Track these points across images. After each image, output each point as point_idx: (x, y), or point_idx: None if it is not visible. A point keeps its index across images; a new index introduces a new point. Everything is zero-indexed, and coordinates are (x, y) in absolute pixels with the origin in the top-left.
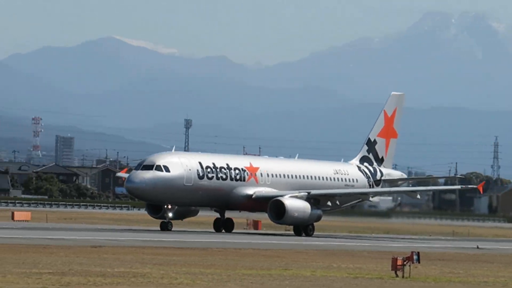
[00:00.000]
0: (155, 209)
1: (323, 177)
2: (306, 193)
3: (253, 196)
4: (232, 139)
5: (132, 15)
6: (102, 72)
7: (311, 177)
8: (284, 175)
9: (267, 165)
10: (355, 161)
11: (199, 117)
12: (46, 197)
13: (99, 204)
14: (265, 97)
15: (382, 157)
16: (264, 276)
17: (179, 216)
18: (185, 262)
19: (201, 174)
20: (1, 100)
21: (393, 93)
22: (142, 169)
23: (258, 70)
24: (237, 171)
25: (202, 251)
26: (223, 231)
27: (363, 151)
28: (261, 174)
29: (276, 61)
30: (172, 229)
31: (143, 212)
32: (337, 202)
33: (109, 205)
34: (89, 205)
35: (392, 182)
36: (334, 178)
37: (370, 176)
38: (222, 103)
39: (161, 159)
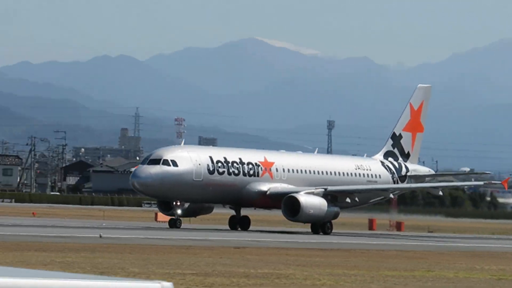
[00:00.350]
0: (166, 206)
1: (343, 173)
2: (323, 189)
3: (268, 193)
4: (375, 140)
5: (274, 16)
6: (243, 73)
7: (330, 172)
8: (301, 171)
9: (282, 160)
10: (379, 156)
11: (341, 118)
12: None
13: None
14: (407, 98)
15: (408, 152)
16: (407, 278)
17: (191, 213)
18: (328, 263)
19: (211, 169)
20: (144, 102)
21: (419, 85)
22: (148, 164)
23: (400, 71)
24: (250, 166)
25: (345, 253)
26: (239, 228)
27: (388, 146)
28: (276, 169)
29: (418, 62)
30: (181, 227)
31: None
32: (356, 199)
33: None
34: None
35: (419, 178)
36: (355, 174)
37: (395, 171)
38: (364, 104)
39: (169, 153)
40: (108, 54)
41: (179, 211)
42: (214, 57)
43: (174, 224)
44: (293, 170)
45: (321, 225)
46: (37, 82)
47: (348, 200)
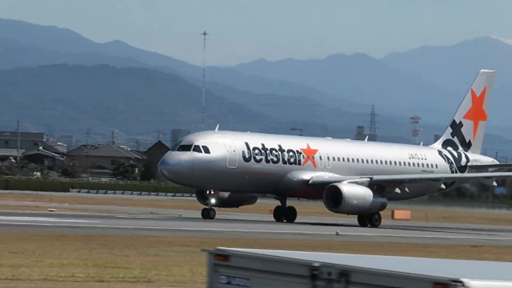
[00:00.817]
0: (203, 195)
1: (394, 162)
2: (368, 179)
3: (310, 182)
4: None
5: (510, 15)
6: (477, 72)
7: (380, 161)
8: (347, 159)
9: (327, 148)
10: (437, 145)
11: None
12: None
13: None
14: None
15: (470, 141)
16: None
17: (232, 203)
18: None
19: (247, 156)
20: (379, 99)
21: (482, 70)
22: (178, 150)
23: None
24: (291, 154)
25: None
26: (285, 220)
27: (447, 134)
28: (320, 157)
29: None
30: (215, 217)
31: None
32: (407, 190)
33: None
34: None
35: (481, 169)
36: (408, 163)
37: (453, 161)
38: None
39: (201, 139)
40: (343, 52)
41: (213, 201)
42: (449, 56)
43: (207, 214)
44: (338, 158)
45: (368, 216)
46: (273, 80)
47: (397, 190)
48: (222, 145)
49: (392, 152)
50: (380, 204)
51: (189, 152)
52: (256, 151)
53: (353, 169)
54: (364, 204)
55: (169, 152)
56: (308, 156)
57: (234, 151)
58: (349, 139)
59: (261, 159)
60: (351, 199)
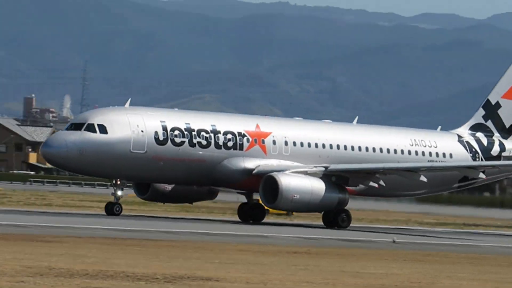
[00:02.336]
0: (143, 188)
1: (387, 149)
2: (323, 168)
3: (255, 171)
4: None
5: None
6: None
7: (366, 148)
8: (315, 145)
9: (286, 130)
10: (463, 129)
11: None
12: None
13: None
14: None
15: (510, 127)
16: None
17: (179, 198)
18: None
19: (161, 138)
20: None
21: None
22: (68, 129)
23: None
24: (229, 136)
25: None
26: (251, 221)
27: (477, 117)
28: (274, 141)
29: None
30: (121, 214)
31: None
32: (382, 183)
33: None
34: None
35: None
36: (409, 151)
37: (479, 150)
38: None
39: (97, 116)
40: None
41: (119, 193)
42: None
43: (111, 209)
44: (302, 143)
45: (333, 215)
46: None
47: (372, 184)
48: (126, 124)
49: (386, 138)
50: (336, 200)
51: (79, 132)
52: (176, 132)
53: (323, 157)
54: (310, 200)
55: (57, 132)
56: (255, 140)
57: (142, 131)
58: (330, 120)
59: (182, 142)
60: (290, 192)
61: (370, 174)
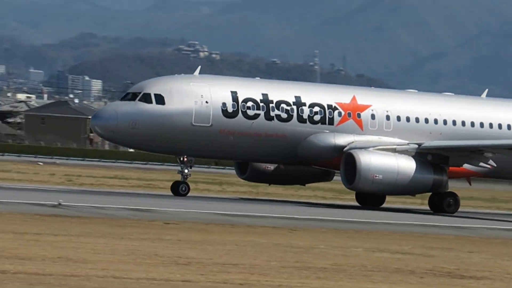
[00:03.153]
0: (243, 167)
1: (499, 125)
2: (416, 145)
3: (346, 149)
4: None
5: None
6: None
7: (489, 125)
8: (427, 120)
9: (389, 103)
10: None
11: None
12: None
13: None
14: None
15: None
16: None
17: (286, 179)
18: None
19: (230, 110)
20: None
21: None
22: (122, 99)
23: None
24: (317, 109)
25: None
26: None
27: None
28: (373, 115)
29: None
30: (188, 195)
31: None
32: (492, 163)
33: None
34: None
35: None
36: None
37: None
38: None
39: (156, 85)
40: None
41: (186, 171)
42: None
43: (176, 189)
44: (408, 118)
45: (438, 199)
46: None
47: (483, 164)
48: (189, 94)
49: (499, 111)
50: (430, 182)
51: (132, 103)
52: (250, 103)
53: (435, 134)
54: (397, 181)
55: (110, 103)
56: (349, 114)
57: (206, 102)
58: (436, 93)
59: (257, 115)
60: (370, 172)
61: (475, 152)
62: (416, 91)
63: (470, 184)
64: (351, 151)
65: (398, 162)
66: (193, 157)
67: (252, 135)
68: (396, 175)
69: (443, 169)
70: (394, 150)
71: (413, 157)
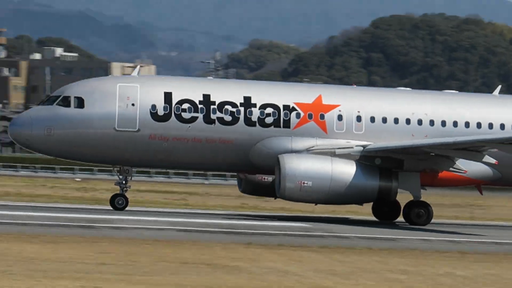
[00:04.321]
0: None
1: (489, 124)
2: (361, 148)
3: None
4: None
5: None
6: None
7: (465, 123)
8: (409, 121)
9: (362, 102)
10: None
11: None
12: None
13: None
14: None
15: None
16: None
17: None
18: None
19: (161, 113)
20: None
21: None
22: (43, 104)
23: None
24: (269, 110)
25: None
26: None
27: None
28: (340, 116)
29: None
30: (126, 209)
31: None
32: (460, 167)
33: None
34: None
35: None
36: None
37: None
38: None
39: (78, 87)
40: None
41: (123, 182)
42: None
43: (113, 203)
44: (385, 119)
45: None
46: None
47: (456, 168)
48: (112, 96)
49: (483, 109)
50: (375, 189)
51: (50, 107)
52: (186, 105)
53: (418, 136)
54: (330, 188)
55: (29, 108)
56: (310, 115)
57: (132, 105)
58: (408, 89)
59: (194, 118)
60: (297, 178)
61: (442, 156)
62: (409, 89)
63: (482, 194)
64: (280, 155)
65: (333, 167)
66: (119, 165)
67: (190, 141)
68: (330, 182)
69: (392, 174)
70: (333, 154)
71: (357, 161)
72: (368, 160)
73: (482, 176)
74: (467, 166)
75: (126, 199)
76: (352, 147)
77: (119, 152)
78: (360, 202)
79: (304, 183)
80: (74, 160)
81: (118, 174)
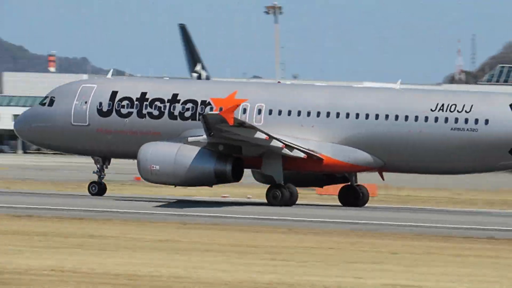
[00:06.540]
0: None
1: (400, 116)
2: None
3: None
4: None
5: None
6: None
7: (376, 116)
8: (300, 113)
9: (266, 96)
10: None
11: None
12: None
13: None
14: None
15: None
16: None
17: (300, 181)
18: None
19: (105, 109)
20: None
21: None
22: (42, 103)
23: None
24: (189, 105)
25: None
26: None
27: None
28: (244, 109)
29: None
30: (105, 195)
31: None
32: (299, 154)
33: None
34: None
35: None
36: (425, 118)
37: None
38: None
39: (57, 89)
40: None
41: (97, 170)
42: None
43: (91, 189)
44: (280, 111)
45: (274, 190)
46: None
47: (287, 152)
48: (73, 96)
49: (401, 101)
50: (212, 171)
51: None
52: (125, 102)
53: (302, 126)
54: (175, 171)
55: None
56: (220, 109)
57: (85, 102)
58: (324, 84)
59: (130, 113)
60: (147, 162)
61: (260, 145)
62: (325, 84)
63: (383, 179)
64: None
65: (177, 153)
66: (77, 154)
67: (128, 133)
68: (173, 165)
69: (228, 158)
70: (186, 141)
71: (203, 148)
72: (213, 147)
73: (364, 163)
74: (350, 154)
75: (100, 185)
76: (202, 135)
77: (75, 144)
78: (203, 183)
79: (153, 167)
80: (47, 149)
81: (96, 164)
